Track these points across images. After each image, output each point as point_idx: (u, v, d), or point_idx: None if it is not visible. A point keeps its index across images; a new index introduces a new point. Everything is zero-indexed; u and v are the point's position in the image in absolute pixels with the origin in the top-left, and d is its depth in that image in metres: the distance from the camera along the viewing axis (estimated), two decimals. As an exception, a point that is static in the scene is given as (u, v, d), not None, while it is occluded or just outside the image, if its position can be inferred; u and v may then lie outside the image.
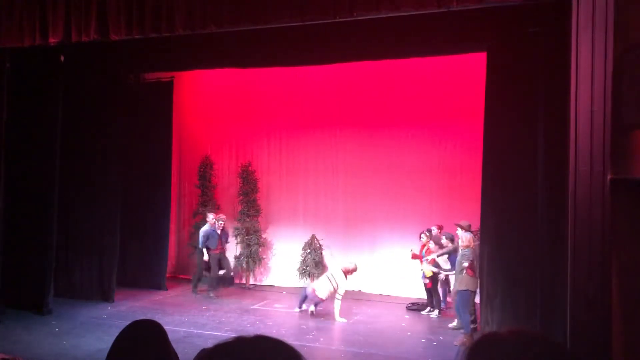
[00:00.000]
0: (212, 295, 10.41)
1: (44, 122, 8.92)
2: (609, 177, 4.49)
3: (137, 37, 7.11)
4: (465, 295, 7.82)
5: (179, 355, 2.13)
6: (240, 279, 11.83)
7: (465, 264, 7.73)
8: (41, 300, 8.79)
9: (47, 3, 7.33)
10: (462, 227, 8.40)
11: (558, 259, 5.98)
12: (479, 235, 8.21)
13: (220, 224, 10.65)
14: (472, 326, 8.05)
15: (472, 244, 7.96)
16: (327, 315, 9.24)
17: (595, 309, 4.50)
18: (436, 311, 9.43)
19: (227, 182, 12.25)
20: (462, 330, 8.03)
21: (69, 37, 7.28)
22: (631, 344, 4.49)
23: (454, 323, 8.51)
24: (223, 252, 10.77)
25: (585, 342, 4.55)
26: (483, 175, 7.74)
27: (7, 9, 7.56)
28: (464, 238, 7.98)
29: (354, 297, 10.54)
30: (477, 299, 7.96)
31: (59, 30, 7.28)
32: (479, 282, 7.81)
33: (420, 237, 9.60)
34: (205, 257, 10.48)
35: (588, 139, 4.59)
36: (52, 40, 7.37)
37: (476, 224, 8.43)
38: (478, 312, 7.88)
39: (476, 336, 1.27)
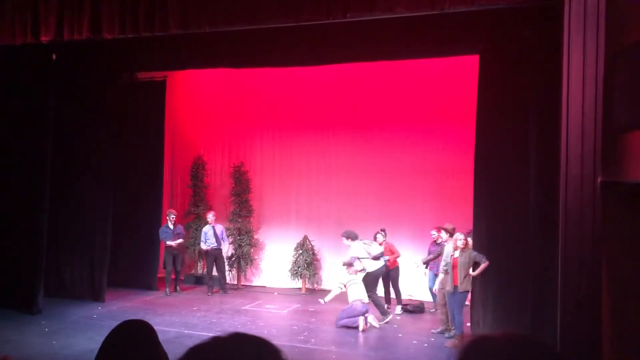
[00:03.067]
0: (167, 292, 10.57)
1: (35, 120, 8.87)
2: (599, 179, 4.52)
3: (130, 36, 7.08)
4: (464, 297, 7.79)
5: (170, 356, 2.12)
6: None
7: (485, 261, 7.50)
8: (31, 299, 8.74)
9: (39, 0, 7.29)
10: (446, 231, 8.39)
11: (549, 260, 6.01)
12: (472, 236, 8.21)
13: (172, 217, 10.79)
14: (443, 327, 8.15)
15: (469, 244, 7.86)
16: (319, 316, 9.24)
17: (585, 310, 4.52)
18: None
19: (219, 182, 12.23)
20: (450, 333, 7.99)
21: (61, 36, 7.23)
22: (621, 345, 4.51)
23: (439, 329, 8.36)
24: (179, 248, 10.89)
25: (575, 343, 4.57)
26: (475, 177, 7.77)
27: (-1, 6, 7.51)
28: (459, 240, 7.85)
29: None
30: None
31: (52, 29, 7.23)
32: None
33: (375, 238, 9.57)
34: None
35: (579, 141, 4.62)
36: (44, 39, 7.32)
37: (468, 226, 8.45)
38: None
39: (469, 337, 1.26)
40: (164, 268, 10.86)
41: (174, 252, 10.70)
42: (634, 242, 4.42)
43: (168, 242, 10.62)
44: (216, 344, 1.14)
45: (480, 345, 1.18)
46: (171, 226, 10.75)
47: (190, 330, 8.09)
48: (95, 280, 9.83)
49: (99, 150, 9.91)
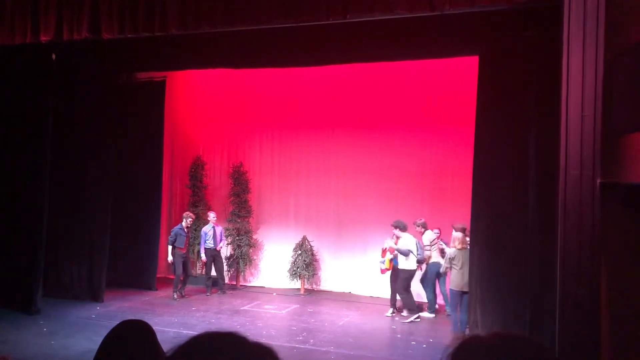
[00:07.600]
0: (175, 297, 10.25)
1: (34, 120, 8.86)
2: (598, 181, 4.52)
3: (129, 36, 7.08)
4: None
5: (169, 356, 2.12)
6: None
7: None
8: (30, 299, 8.72)
9: (38, 0, 7.28)
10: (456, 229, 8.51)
11: (548, 261, 6.01)
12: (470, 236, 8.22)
13: (189, 221, 10.63)
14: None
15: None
16: (318, 316, 9.24)
17: (584, 312, 4.52)
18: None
19: (218, 183, 12.23)
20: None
21: (60, 36, 7.22)
22: (620, 347, 4.52)
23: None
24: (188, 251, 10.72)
25: (574, 345, 4.57)
26: (474, 178, 7.77)
27: (-2, 6, 7.50)
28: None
29: (344, 299, 10.55)
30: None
31: (51, 28, 7.23)
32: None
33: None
34: (170, 258, 10.45)
35: (578, 143, 4.62)
36: (43, 38, 7.31)
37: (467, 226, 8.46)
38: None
39: (459, 339, 1.26)
40: (174, 272, 10.46)
41: (184, 256, 10.48)
42: (633, 243, 4.43)
43: (179, 247, 10.35)
44: (190, 344, 1.16)
45: (470, 345, 1.18)
46: (186, 229, 10.55)
47: (189, 331, 8.07)
48: (94, 280, 9.81)
49: (98, 150, 9.90)
